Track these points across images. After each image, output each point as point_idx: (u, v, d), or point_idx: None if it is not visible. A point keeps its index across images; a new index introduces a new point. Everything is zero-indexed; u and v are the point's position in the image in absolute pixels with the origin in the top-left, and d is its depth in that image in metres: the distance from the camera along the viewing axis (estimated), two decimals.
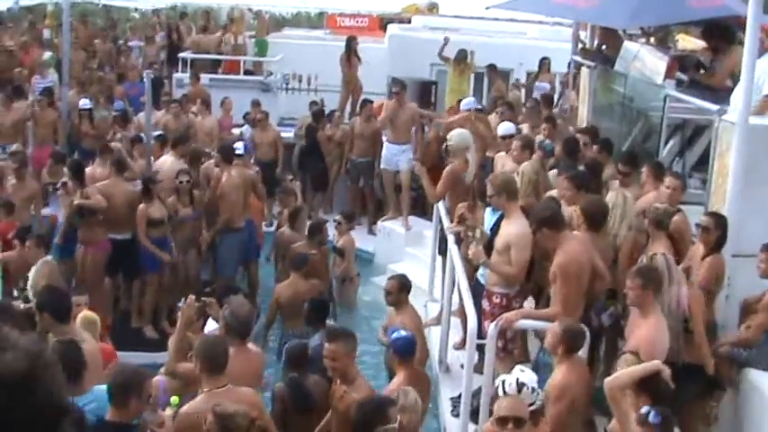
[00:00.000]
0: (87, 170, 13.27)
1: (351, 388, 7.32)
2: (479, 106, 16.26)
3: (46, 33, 24.99)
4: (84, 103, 17.63)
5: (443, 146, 12.45)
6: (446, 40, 19.84)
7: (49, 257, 11.03)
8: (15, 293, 11.19)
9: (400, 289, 9.58)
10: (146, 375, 6.42)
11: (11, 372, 2.15)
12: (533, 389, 6.42)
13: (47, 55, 22.30)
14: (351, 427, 6.55)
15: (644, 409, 6.19)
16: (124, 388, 6.11)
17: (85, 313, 8.76)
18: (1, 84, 20.58)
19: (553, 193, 10.21)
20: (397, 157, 16.06)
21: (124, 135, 16.15)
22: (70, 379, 5.79)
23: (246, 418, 5.99)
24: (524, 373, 6.57)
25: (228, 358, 6.87)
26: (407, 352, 8.10)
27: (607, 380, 6.74)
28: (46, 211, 14.71)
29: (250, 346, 7.94)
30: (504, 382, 6.42)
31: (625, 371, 6.77)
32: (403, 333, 8.24)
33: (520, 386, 6.34)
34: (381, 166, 16.55)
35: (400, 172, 16.01)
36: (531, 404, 6.35)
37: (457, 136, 11.78)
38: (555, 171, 11.31)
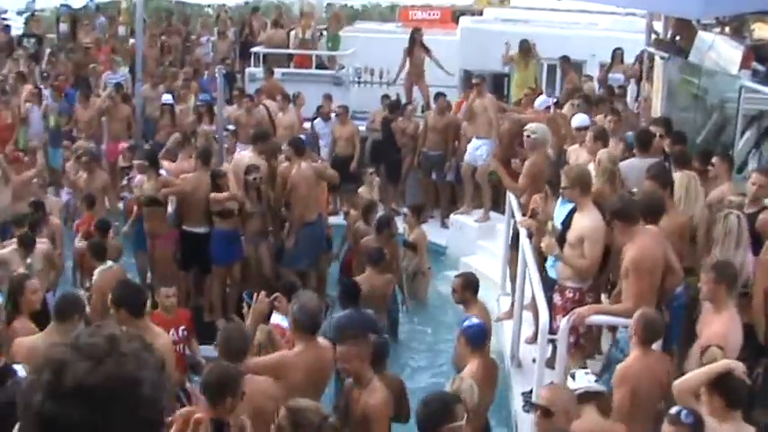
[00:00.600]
0: (172, 165, 13.49)
1: (365, 391, 7.23)
2: (554, 100, 16.16)
3: (121, 30, 25.32)
4: (167, 98, 17.84)
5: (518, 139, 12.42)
6: (507, 46, 19.74)
7: (109, 263, 11.14)
8: (88, 285, 11.40)
9: (465, 287, 9.54)
10: (240, 373, 6.53)
11: (124, 381, 2.14)
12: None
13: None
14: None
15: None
16: (220, 386, 6.25)
17: None
18: (78, 80, 20.99)
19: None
20: (477, 151, 16.00)
21: (203, 130, 16.34)
22: None
23: (319, 414, 6.03)
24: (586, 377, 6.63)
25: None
26: (479, 340, 8.15)
27: (675, 383, 6.66)
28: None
29: (322, 341, 7.98)
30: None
31: (694, 373, 6.68)
32: (474, 321, 8.28)
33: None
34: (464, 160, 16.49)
35: (478, 166, 15.93)
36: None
37: (539, 129, 11.77)
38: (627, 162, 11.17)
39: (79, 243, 12.71)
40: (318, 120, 18.49)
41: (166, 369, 6.03)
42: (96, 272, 10.79)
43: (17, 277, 9.09)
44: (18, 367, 6.93)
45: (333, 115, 18.19)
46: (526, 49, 19.40)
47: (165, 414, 2.25)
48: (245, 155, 13.95)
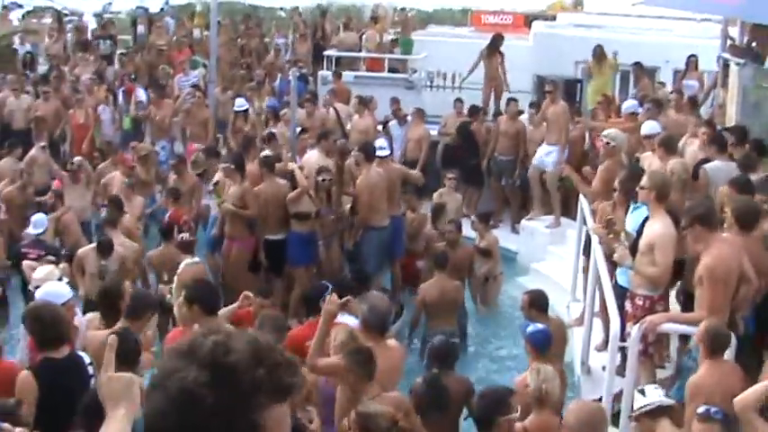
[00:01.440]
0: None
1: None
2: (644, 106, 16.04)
3: (195, 33, 25.63)
4: (241, 104, 17.99)
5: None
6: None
7: (196, 259, 11.28)
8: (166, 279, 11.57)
9: (531, 304, 9.54)
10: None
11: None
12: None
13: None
14: None
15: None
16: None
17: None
18: (151, 82, 21.26)
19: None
20: (547, 157, 15.97)
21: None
22: (126, 364, 6.03)
23: (388, 419, 6.07)
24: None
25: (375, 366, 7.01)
26: (543, 345, 8.19)
27: (736, 399, 6.49)
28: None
29: (391, 342, 8.02)
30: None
31: (756, 387, 6.56)
32: (539, 326, 8.30)
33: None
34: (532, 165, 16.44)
35: (546, 172, 15.89)
36: None
37: (618, 137, 11.78)
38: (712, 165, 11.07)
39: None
40: (394, 122, 18.52)
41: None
42: (182, 265, 10.93)
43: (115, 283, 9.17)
44: (83, 354, 7.10)
45: (408, 118, 18.22)
46: (600, 55, 19.24)
47: None
48: (313, 155, 14.09)
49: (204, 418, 2.11)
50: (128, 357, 5.73)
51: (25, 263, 10.92)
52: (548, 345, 8.29)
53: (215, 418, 2.11)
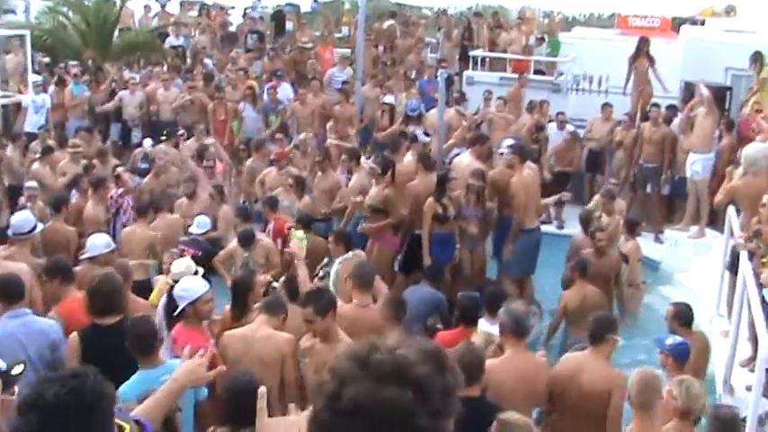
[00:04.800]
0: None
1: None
2: None
3: (344, 30, 25.95)
4: (390, 99, 18.19)
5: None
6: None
7: (358, 251, 11.40)
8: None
9: (674, 317, 9.44)
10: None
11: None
12: None
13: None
14: None
15: None
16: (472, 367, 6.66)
17: None
18: (296, 78, 21.65)
19: None
20: (693, 166, 15.75)
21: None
22: (142, 352, 6.53)
23: (524, 429, 6.18)
24: None
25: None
26: (685, 357, 8.17)
27: None
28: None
29: (539, 355, 8.13)
30: None
31: None
32: (679, 339, 8.32)
33: None
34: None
35: (696, 181, 15.68)
36: None
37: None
38: None
39: None
40: (553, 125, 18.45)
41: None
42: (339, 260, 11.00)
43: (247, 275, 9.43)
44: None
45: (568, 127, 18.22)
46: (758, 59, 18.70)
47: None
48: (464, 158, 14.15)
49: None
50: None
51: (166, 254, 11.15)
52: (687, 357, 8.30)
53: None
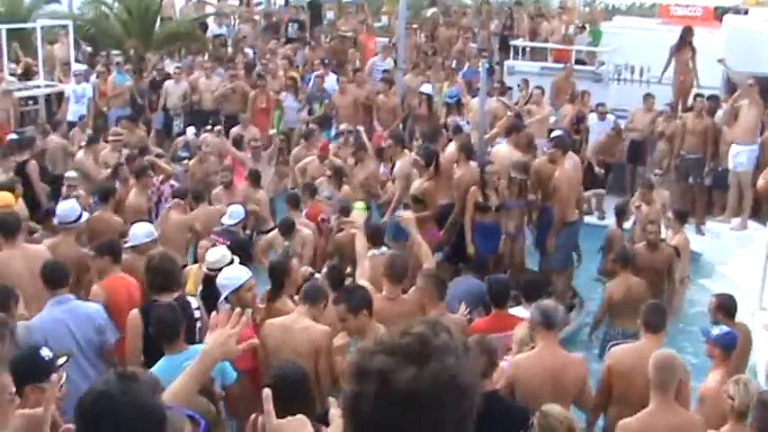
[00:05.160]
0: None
1: None
2: None
3: (383, 20, 25.95)
4: (427, 88, 18.19)
5: None
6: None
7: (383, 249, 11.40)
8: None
9: (717, 308, 9.36)
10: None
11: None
12: None
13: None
14: None
15: None
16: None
17: None
18: (336, 66, 21.68)
19: None
20: (736, 158, 15.67)
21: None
22: (166, 339, 6.89)
23: (564, 423, 6.19)
24: None
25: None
26: (731, 348, 8.14)
27: None
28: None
29: (576, 355, 8.13)
30: None
31: None
32: (725, 328, 8.28)
33: None
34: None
35: (739, 172, 15.57)
36: None
37: None
38: None
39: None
40: (594, 116, 18.36)
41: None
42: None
43: (283, 259, 9.45)
44: (192, 299, 7.98)
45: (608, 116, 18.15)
46: None
47: None
48: (502, 148, 14.15)
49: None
50: None
51: (201, 242, 11.20)
52: (733, 349, 8.26)
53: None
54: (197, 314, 7.78)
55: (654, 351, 7.41)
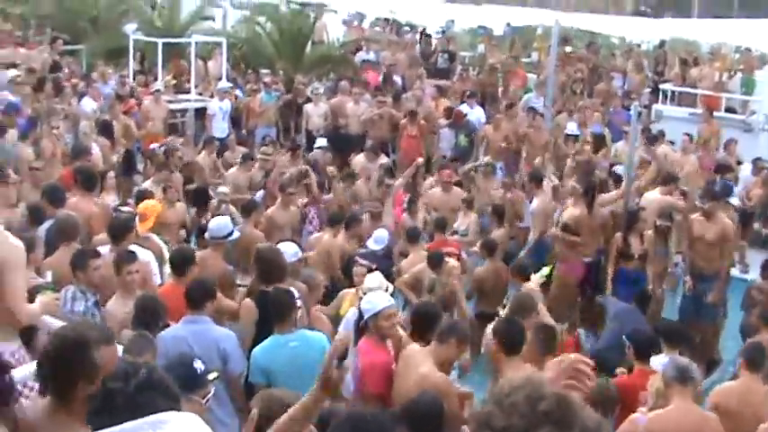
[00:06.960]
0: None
1: None
2: None
3: (534, 56, 25.88)
4: (571, 128, 18.04)
5: None
6: None
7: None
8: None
9: None
10: None
11: None
12: None
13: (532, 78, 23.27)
14: None
15: None
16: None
17: None
18: (485, 99, 21.67)
19: None
20: None
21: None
22: (278, 318, 7.65)
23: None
24: None
25: None
26: None
27: None
28: None
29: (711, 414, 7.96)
30: None
31: None
32: None
33: None
34: None
35: None
36: None
37: None
38: None
39: None
40: (747, 166, 17.82)
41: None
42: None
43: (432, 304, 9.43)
44: (293, 290, 8.34)
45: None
46: None
47: None
48: (653, 193, 14.07)
49: None
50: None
51: (356, 269, 11.16)
52: None
53: None
54: (299, 303, 8.15)
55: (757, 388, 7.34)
